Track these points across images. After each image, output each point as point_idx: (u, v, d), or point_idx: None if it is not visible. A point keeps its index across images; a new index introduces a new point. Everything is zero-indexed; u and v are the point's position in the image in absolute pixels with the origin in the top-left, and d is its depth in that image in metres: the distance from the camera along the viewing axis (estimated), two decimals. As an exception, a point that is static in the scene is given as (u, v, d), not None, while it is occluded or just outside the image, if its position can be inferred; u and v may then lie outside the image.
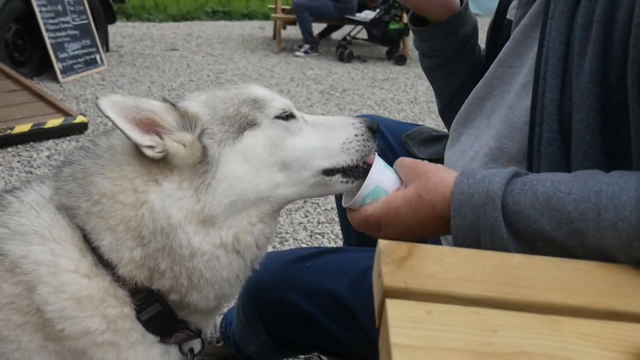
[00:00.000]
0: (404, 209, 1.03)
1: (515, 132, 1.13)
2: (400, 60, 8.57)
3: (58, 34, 6.23)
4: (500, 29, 1.40)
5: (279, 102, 1.17)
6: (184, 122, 1.07)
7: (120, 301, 1.05)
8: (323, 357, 2.21)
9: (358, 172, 1.16)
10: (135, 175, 1.05)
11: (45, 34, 6.01)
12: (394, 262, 0.76)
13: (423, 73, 1.68)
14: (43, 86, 5.65)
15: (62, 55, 6.19)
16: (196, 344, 1.22)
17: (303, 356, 2.22)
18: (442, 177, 1.00)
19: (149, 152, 1.02)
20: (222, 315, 2.06)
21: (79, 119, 4.51)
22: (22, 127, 4.19)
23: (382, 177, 1.09)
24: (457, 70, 1.55)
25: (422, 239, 1.06)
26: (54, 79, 6.09)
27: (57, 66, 6.09)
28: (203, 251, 1.04)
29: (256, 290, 1.45)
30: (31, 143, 4.21)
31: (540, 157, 1.05)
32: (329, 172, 1.14)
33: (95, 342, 1.02)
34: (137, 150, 1.03)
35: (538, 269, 0.79)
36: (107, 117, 0.97)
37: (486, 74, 1.29)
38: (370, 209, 1.06)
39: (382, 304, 0.70)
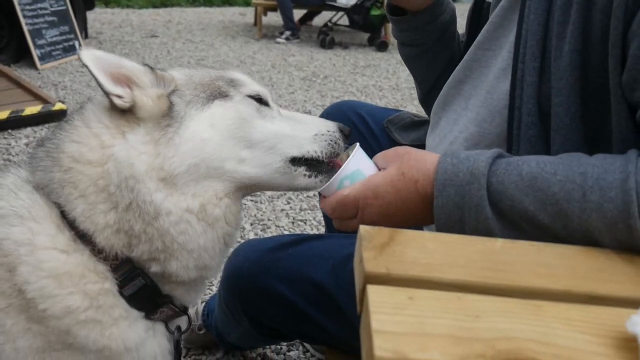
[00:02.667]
0: (384, 187, 1.00)
1: (495, 116, 1.13)
2: (382, 46, 8.55)
3: (36, 20, 6.10)
4: (480, 11, 1.39)
5: (256, 86, 1.18)
6: (158, 83, 1.10)
7: (100, 276, 1.03)
8: (306, 343, 2.22)
9: (322, 168, 1.15)
10: (102, 131, 1.06)
11: (22, 20, 5.89)
12: (376, 248, 0.75)
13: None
14: (21, 73, 5.55)
15: (40, 42, 6.09)
16: (182, 322, 1.20)
17: (285, 343, 2.21)
18: (424, 155, 0.99)
19: (117, 101, 1.04)
20: (204, 303, 2.05)
21: (58, 106, 4.43)
22: (0, 115, 4.12)
23: (362, 163, 1.07)
24: (436, 59, 1.55)
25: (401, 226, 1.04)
26: (32, 65, 5.99)
27: (35, 53, 5.98)
28: (168, 210, 1.02)
29: (237, 278, 1.43)
30: (9, 131, 4.14)
31: (519, 141, 1.04)
32: (295, 161, 1.13)
33: (78, 320, 1.00)
34: (108, 107, 1.07)
35: (520, 253, 0.78)
36: (85, 65, 1.01)
37: (465, 57, 1.28)
38: (348, 190, 1.04)
39: (364, 290, 0.69)
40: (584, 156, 0.87)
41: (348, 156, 1.08)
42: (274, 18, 10.20)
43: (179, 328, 1.18)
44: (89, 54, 1.02)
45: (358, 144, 1.10)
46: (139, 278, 1.06)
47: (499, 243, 0.81)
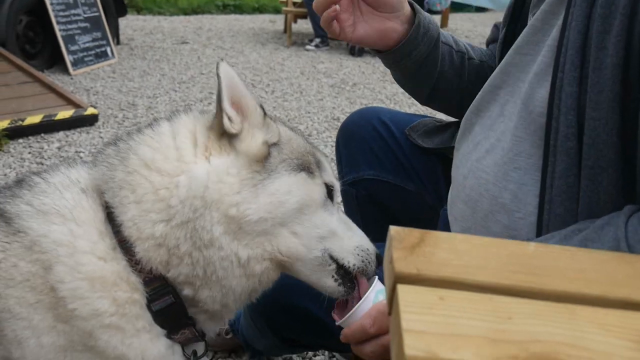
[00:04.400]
0: None
1: (530, 124, 1.09)
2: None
3: (69, 26, 6.23)
4: (520, 14, 1.36)
5: (332, 177, 1.23)
6: (264, 126, 1.15)
7: (132, 287, 1.06)
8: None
9: (349, 279, 1.19)
10: (187, 146, 1.09)
11: (56, 27, 6.03)
12: (406, 249, 0.75)
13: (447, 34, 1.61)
14: (54, 78, 5.66)
15: (72, 48, 6.20)
16: (199, 348, 1.21)
17: (311, 352, 2.21)
18: None
19: (227, 122, 1.08)
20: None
21: (90, 110, 4.51)
22: (33, 119, 4.20)
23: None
24: (422, 82, 1.53)
25: None
26: (65, 71, 6.11)
27: (68, 58, 6.10)
28: (220, 245, 1.05)
29: (262, 296, 1.43)
30: (42, 134, 4.23)
31: (556, 152, 1.00)
32: (332, 259, 1.16)
33: (102, 324, 1.03)
34: (204, 125, 1.12)
35: (553, 258, 0.77)
36: (218, 76, 1.06)
37: (503, 61, 1.25)
38: (386, 300, 1.08)
39: (394, 290, 0.69)
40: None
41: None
42: (304, 25, 10.24)
43: (195, 353, 1.19)
44: (226, 68, 1.08)
45: (376, 276, 1.18)
46: (169, 296, 1.08)
47: (531, 247, 0.79)
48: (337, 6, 1.32)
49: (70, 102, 4.59)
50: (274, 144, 1.15)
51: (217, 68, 1.07)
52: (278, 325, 1.45)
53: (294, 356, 2.18)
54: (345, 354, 2.14)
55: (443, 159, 1.61)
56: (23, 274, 1.01)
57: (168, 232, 1.04)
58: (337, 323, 1.15)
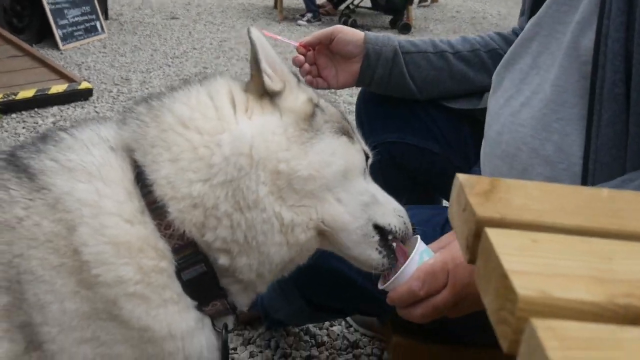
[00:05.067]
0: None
1: (573, 73, 1.07)
2: (405, 28, 8.44)
3: (57, 0, 6.09)
4: None
5: (365, 146, 1.20)
6: (300, 89, 1.14)
7: (159, 254, 0.99)
8: (348, 319, 2.19)
9: (392, 251, 1.14)
10: (226, 105, 1.05)
11: (44, 0, 5.87)
12: (480, 195, 0.71)
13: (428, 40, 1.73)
14: (44, 53, 5.53)
15: (62, 22, 6.07)
16: (229, 322, 1.15)
17: (328, 322, 2.19)
18: None
19: (267, 80, 1.06)
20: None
21: (84, 85, 4.42)
22: (26, 93, 4.11)
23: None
24: (398, 92, 1.65)
25: None
26: (54, 46, 5.98)
27: (57, 33, 5.96)
28: (264, 206, 1.00)
29: None
30: (35, 109, 4.14)
31: (602, 100, 0.99)
32: (376, 229, 1.12)
33: (126, 292, 0.96)
34: (241, 86, 1.10)
35: (630, 201, 0.74)
36: (251, 40, 1.07)
37: (537, 14, 1.23)
38: (431, 260, 1.04)
39: (476, 236, 0.65)
40: None
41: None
42: (294, 0, 10.11)
43: (226, 326, 1.13)
44: (257, 33, 1.08)
45: (418, 236, 1.12)
46: (200, 264, 1.02)
47: (605, 192, 0.76)
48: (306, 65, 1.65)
49: (63, 76, 4.50)
50: (316, 105, 1.12)
51: (249, 33, 1.07)
52: (310, 289, 1.42)
53: (310, 326, 2.16)
54: (361, 322, 2.13)
55: (469, 120, 1.59)
56: (46, 234, 0.95)
57: (207, 191, 0.99)
58: (380, 287, 1.11)
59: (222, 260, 1.02)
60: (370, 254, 1.11)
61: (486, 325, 1.27)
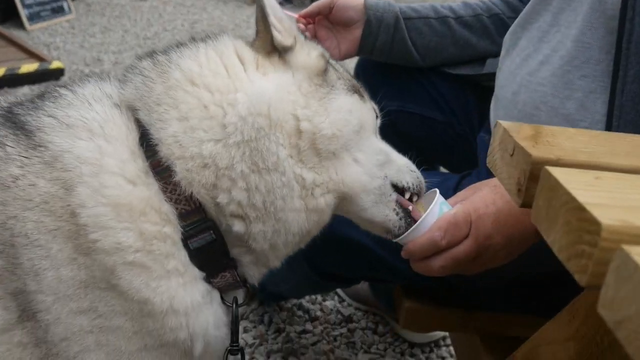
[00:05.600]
0: (489, 195, 1.01)
1: (598, 28, 1.06)
2: None
3: (23, -22, 5.88)
4: None
5: (374, 104, 1.16)
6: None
7: (163, 218, 0.93)
8: (341, 293, 2.18)
9: (408, 213, 1.09)
10: (236, 63, 1.00)
11: (9, -22, 5.67)
12: (527, 139, 0.70)
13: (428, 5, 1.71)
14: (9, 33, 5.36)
15: (28, 1, 5.84)
16: (239, 296, 1.07)
17: (321, 297, 2.17)
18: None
19: (277, 35, 1.01)
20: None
21: (55, 64, 4.28)
22: (-5, 72, 3.97)
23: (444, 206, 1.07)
24: (401, 59, 1.64)
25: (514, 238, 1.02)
26: (20, 26, 5.75)
27: (23, 13, 5.75)
28: (284, 169, 0.96)
29: None
30: (5, 88, 3.99)
31: (629, 55, 0.98)
32: (393, 187, 1.09)
33: (125, 260, 0.90)
34: (249, 44, 1.05)
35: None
36: None
37: None
38: (453, 210, 1.02)
39: (531, 177, 0.64)
40: None
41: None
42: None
43: (236, 300, 1.04)
44: None
45: (437, 189, 1.09)
46: (209, 232, 0.96)
47: (647, 138, 0.76)
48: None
49: (32, 55, 4.35)
50: (328, 61, 1.08)
51: None
52: (320, 258, 1.38)
53: (303, 301, 2.14)
54: (355, 296, 2.12)
55: (472, 86, 1.57)
56: (42, 195, 0.88)
57: (220, 151, 0.94)
58: (396, 240, 1.08)
59: (238, 226, 0.97)
60: (388, 214, 1.08)
61: (497, 290, 1.26)
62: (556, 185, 0.57)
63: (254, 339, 1.96)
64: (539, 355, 0.77)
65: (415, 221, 1.05)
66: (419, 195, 1.12)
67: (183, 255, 0.95)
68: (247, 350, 1.92)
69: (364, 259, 1.31)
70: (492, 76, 1.43)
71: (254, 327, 2.02)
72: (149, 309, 0.92)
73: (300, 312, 2.10)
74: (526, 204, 0.65)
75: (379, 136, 1.13)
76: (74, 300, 0.89)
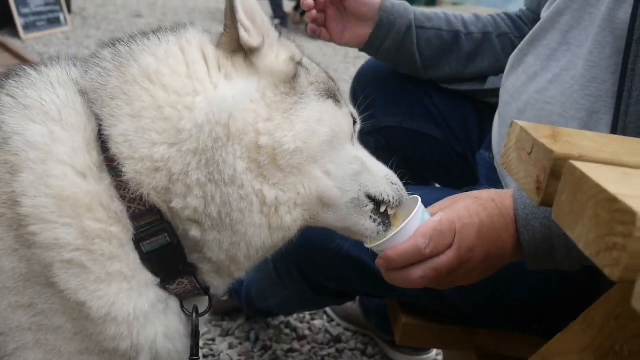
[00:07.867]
0: (473, 206, 0.97)
1: (605, 48, 1.05)
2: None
3: (20, -13, 5.88)
4: None
5: (353, 109, 1.07)
6: (281, 45, 1.00)
7: (111, 216, 0.86)
8: (330, 313, 2.13)
9: (387, 217, 1.03)
10: (200, 62, 0.91)
11: (6, -13, 5.67)
12: (547, 138, 0.67)
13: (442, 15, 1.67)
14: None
15: (24, 11, 5.86)
16: (202, 304, 1.00)
17: (309, 312, 2.12)
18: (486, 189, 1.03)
19: (243, 34, 0.91)
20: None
21: (48, 73, 4.25)
22: (-13, 78, 3.92)
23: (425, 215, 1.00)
24: (403, 67, 1.63)
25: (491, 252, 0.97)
26: (15, 35, 5.76)
27: (19, 21, 5.76)
28: (242, 182, 0.88)
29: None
30: (-4, 94, 3.95)
31: (634, 76, 0.97)
32: (369, 198, 1.01)
33: (62, 258, 0.83)
34: (214, 41, 0.95)
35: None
36: None
37: None
38: (437, 216, 0.95)
39: (553, 174, 0.61)
40: None
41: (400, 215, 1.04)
42: (262, 6, 10.06)
43: (196, 309, 0.98)
44: None
45: (419, 197, 1.02)
46: (164, 234, 0.89)
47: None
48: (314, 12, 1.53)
49: (26, 62, 4.30)
50: (299, 63, 0.98)
51: None
52: (315, 273, 1.34)
53: (291, 319, 2.09)
54: (343, 316, 2.07)
55: (473, 103, 1.56)
56: None
57: (173, 156, 0.87)
58: (370, 246, 1.01)
59: (194, 232, 0.91)
60: (365, 223, 1.01)
61: (495, 308, 1.22)
62: (583, 179, 0.54)
63: (240, 355, 1.90)
64: (551, 368, 0.74)
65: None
66: (398, 206, 1.05)
67: (132, 258, 0.89)
68: (232, 366, 1.87)
69: (359, 273, 1.27)
70: (494, 92, 1.42)
71: (240, 343, 1.96)
72: (85, 314, 0.86)
73: (287, 330, 2.05)
74: (545, 201, 0.62)
75: (357, 142, 1.06)
76: (13, 294, 0.84)
